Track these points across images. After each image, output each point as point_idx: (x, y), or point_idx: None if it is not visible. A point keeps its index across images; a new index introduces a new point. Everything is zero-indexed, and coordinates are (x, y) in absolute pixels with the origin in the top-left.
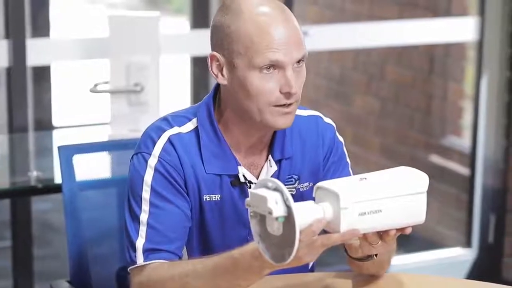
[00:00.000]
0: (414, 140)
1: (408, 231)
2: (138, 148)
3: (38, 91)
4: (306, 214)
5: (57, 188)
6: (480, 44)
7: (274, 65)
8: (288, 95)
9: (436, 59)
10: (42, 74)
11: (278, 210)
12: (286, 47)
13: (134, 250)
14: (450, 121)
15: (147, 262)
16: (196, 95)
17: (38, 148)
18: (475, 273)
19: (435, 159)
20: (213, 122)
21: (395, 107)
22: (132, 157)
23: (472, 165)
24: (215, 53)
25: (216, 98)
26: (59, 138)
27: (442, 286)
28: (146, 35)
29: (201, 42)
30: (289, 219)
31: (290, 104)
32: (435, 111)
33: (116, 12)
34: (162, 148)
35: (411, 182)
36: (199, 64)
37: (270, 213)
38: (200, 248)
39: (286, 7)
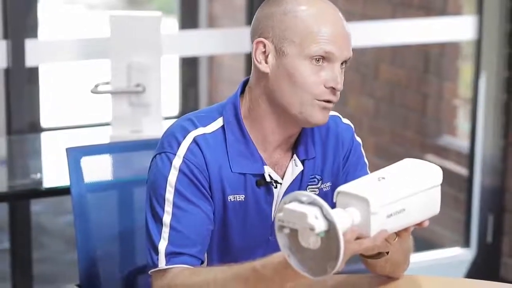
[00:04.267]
0: (409, 140)
1: (426, 224)
2: (161, 147)
3: (33, 92)
4: (343, 224)
5: (61, 191)
6: (478, 44)
7: (325, 58)
8: (333, 90)
9: (431, 59)
10: (38, 74)
11: (320, 226)
12: (341, 41)
13: (156, 252)
14: (445, 120)
15: (169, 266)
16: (185, 95)
17: (36, 150)
18: (474, 273)
19: (431, 159)
20: (240, 121)
21: (389, 107)
22: (154, 156)
23: (470, 165)
24: (262, 39)
25: (243, 97)
26: (59, 140)
27: (440, 286)
28: (147, 35)
29: (190, 43)
30: (329, 233)
31: (330, 101)
32: (430, 111)
33: (117, 12)
34: (188, 148)
35: (427, 177)
36: (188, 64)
37: (312, 229)
38: (219, 247)
39: None
